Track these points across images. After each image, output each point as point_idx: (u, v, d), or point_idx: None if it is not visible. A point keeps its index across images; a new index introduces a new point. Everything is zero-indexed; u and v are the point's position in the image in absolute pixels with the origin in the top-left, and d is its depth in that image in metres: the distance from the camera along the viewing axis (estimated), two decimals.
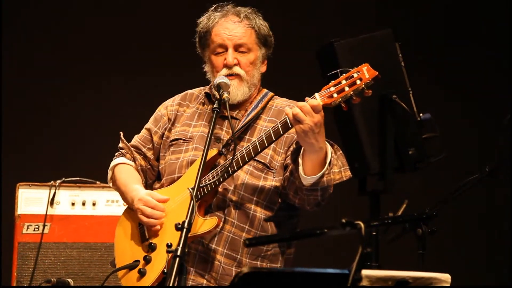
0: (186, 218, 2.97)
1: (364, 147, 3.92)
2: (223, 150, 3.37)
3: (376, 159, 3.91)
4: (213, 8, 3.49)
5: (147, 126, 3.61)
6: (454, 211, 5.25)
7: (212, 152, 3.32)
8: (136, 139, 3.61)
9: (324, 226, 2.40)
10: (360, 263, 2.25)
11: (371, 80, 3.07)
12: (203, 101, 3.55)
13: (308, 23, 5.80)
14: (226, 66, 3.40)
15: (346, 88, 3.08)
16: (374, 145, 3.91)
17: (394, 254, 3.89)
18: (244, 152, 3.25)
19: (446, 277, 2.39)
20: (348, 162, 3.36)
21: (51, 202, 4.56)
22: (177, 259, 2.85)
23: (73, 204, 4.60)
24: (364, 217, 2.36)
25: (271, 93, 3.52)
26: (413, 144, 3.90)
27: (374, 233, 3.76)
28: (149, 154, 3.56)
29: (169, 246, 3.01)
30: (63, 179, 4.61)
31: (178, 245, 2.88)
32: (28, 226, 4.52)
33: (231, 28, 3.42)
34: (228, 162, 3.26)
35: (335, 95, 3.09)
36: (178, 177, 3.42)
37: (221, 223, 3.31)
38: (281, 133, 3.20)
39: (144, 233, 3.42)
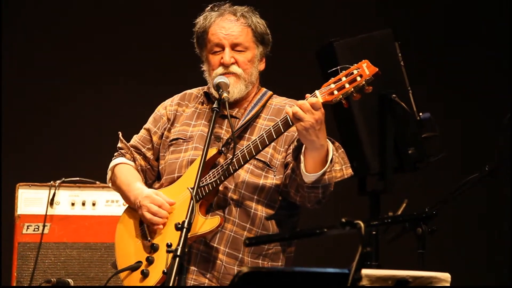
0: (186, 218, 2.97)
1: (364, 147, 3.93)
2: (223, 149, 3.37)
3: (376, 159, 3.93)
4: (209, 7, 3.49)
5: (146, 126, 3.61)
6: (454, 211, 5.25)
7: (212, 151, 3.31)
8: (135, 139, 3.61)
9: (324, 226, 2.40)
10: (360, 263, 2.25)
11: (371, 77, 3.07)
12: (202, 100, 3.55)
13: (308, 23, 5.80)
14: (223, 64, 3.40)
15: (347, 85, 3.08)
16: (374, 145, 3.92)
17: (394, 254, 3.90)
18: (245, 151, 3.25)
19: (446, 276, 2.38)
20: (348, 162, 3.36)
21: (51, 202, 4.55)
22: (177, 259, 2.85)
23: (73, 204, 4.60)
24: (364, 217, 2.35)
25: (270, 92, 3.52)
26: (412, 144, 3.91)
27: (374, 232, 3.77)
28: (149, 154, 3.56)
29: (169, 246, 3.01)
30: (63, 179, 4.60)
31: (178, 244, 2.87)
32: (28, 226, 4.52)
33: (227, 27, 3.42)
34: (228, 161, 3.26)
35: (335, 92, 3.09)
36: (178, 177, 3.41)
37: (223, 222, 3.31)
38: (282, 131, 3.20)
39: (146, 233, 3.41)
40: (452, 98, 5.79)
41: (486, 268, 5.82)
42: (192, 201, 3.00)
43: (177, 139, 3.49)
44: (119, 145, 3.62)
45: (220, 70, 3.40)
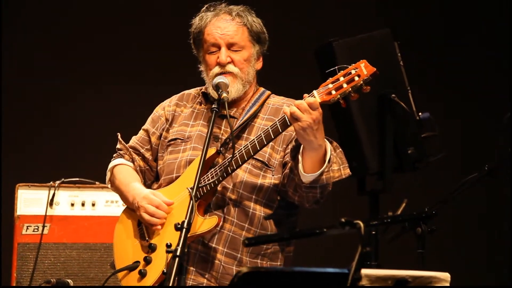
0: (186, 218, 2.96)
1: (363, 146, 3.93)
2: (221, 149, 3.37)
3: (375, 159, 3.92)
4: (205, 8, 3.49)
5: (144, 127, 3.61)
6: (454, 211, 5.25)
7: (211, 151, 3.31)
8: (134, 140, 3.61)
9: (323, 226, 2.40)
10: (359, 262, 2.25)
11: (369, 77, 3.07)
12: (200, 100, 3.55)
13: (308, 23, 5.80)
14: (219, 64, 3.40)
15: (345, 85, 3.08)
16: (373, 145, 3.92)
17: (394, 253, 3.90)
18: (243, 151, 3.25)
19: (445, 276, 2.38)
20: (346, 161, 3.36)
21: (51, 202, 4.55)
22: (177, 259, 2.84)
23: (72, 204, 4.60)
24: (364, 217, 2.36)
25: (268, 92, 3.52)
26: (412, 144, 3.91)
27: (373, 232, 3.77)
28: (147, 155, 3.56)
29: (168, 246, 3.01)
30: (63, 179, 4.61)
31: (178, 245, 2.87)
32: (27, 226, 4.52)
33: (223, 27, 3.42)
34: (227, 161, 3.26)
35: (333, 92, 3.09)
36: (177, 177, 3.41)
37: (221, 222, 3.31)
38: (280, 131, 3.20)
39: (144, 234, 3.41)
40: (452, 98, 5.79)
41: (486, 268, 5.82)
42: (191, 201, 3.00)
43: (175, 139, 3.49)
44: (118, 146, 3.62)
45: (217, 69, 3.40)
